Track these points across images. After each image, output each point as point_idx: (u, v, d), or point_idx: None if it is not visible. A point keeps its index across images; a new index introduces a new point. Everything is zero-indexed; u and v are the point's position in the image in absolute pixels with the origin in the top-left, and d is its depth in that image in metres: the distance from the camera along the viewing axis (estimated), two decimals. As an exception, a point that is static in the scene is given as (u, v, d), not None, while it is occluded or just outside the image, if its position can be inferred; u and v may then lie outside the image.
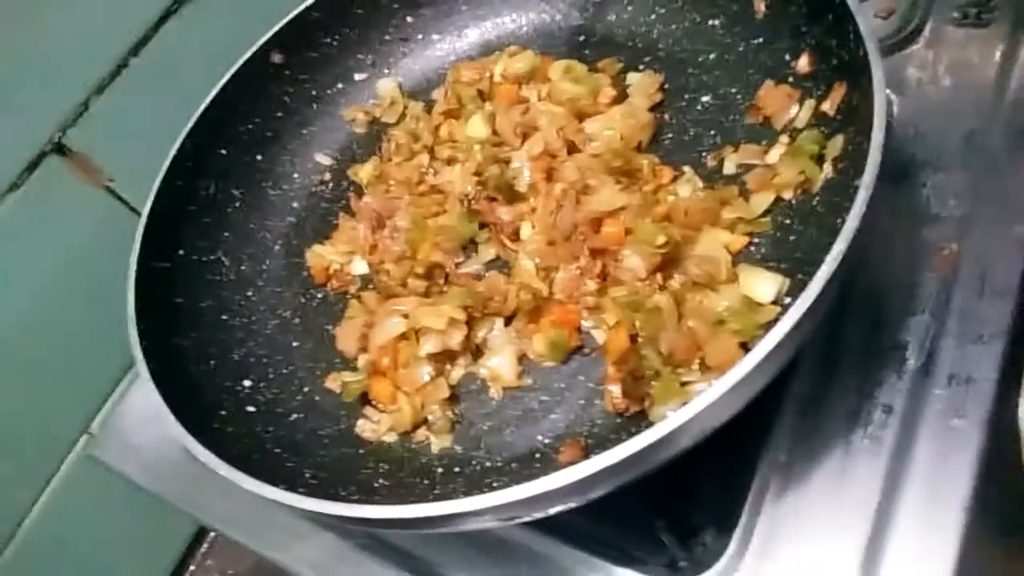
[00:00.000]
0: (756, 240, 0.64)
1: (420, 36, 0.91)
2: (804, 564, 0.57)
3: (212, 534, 1.20)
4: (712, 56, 0.76)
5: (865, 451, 0.60)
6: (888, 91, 0.54)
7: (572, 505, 0.49)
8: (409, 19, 0.90)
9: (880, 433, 0.61)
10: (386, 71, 0.91)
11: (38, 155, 0.85)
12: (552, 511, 0.49)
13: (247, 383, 0.70)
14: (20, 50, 0.80)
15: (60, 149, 0.86)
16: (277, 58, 0.85)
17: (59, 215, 0.88)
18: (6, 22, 0.79)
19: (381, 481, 0.61)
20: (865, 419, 0.62)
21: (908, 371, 0.62)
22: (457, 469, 0.62)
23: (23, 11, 0.80)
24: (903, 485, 0.58)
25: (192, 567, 1.21)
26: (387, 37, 0.91)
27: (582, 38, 0.86)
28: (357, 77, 0.91)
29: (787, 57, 0.68)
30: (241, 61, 0.82)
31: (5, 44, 0.79)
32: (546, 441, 0.61)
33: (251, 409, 0.67)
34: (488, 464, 0.61)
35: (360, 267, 0.78)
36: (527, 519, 0.50)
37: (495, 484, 0.57)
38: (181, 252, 0.75)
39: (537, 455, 0.60)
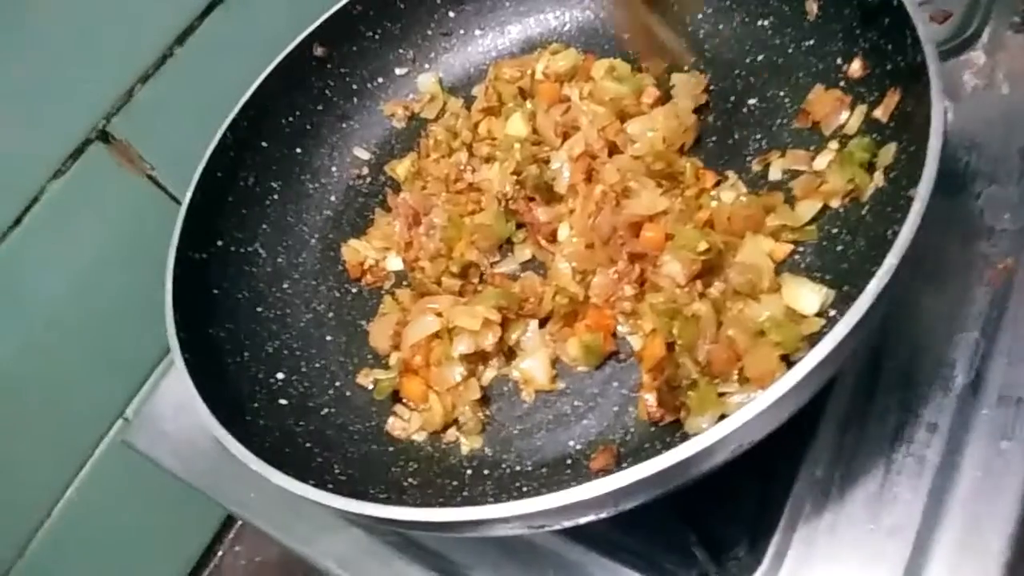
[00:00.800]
0: (801, 249, 0.62)
1: (462, 32, 0.91)
2: (839, 585, 0.56)
3: (240, 521, 1.21)
4: (760, 58, 0.74)
5: (907, 471, 0.58)
6: (943, 98, 0.52)
7: (603, 515, 0.48)
8: (451, 14, 0.90)
9: (923, 452, 0.59)
10: (427, 66, 0.91)
11: (83, 142, 0.86)
12: (582, 520, 0.48)
13: (280, 376, 0.70)
14: (66, 39, 0.82)
15: (104, 137, 0.88)
16: (319, 51, 0.85)
17: (101, 202, 0.89)
18: (52, 11, 0.80)
19: (409, 480, 0.61)
20: (908, 437, 0.60)
21: (955, 389, 0.60)
22: (486, 472, 0.61)
23: (70, 0, 0.81)
24: (945, 509, 0.56)
25: (220, 552, 1.23)
26: (429, 32, 0.90)
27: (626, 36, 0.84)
28: (398, 72, 0.90)
29: (839, 61, 0.66)
30: (283, 54, 0.83)
31: (52, 33, 0.80)
32: (577, 447, 0.60)
33: (283, 402, 0.67)
34: (518, 468, 0.61)
35: (395, 263, 0.78)
36: (556, 527, 0.49)
37: (525, 489, 0.57)
38: (219, 243, 0.75)
39: (568, 461, 0.59)
